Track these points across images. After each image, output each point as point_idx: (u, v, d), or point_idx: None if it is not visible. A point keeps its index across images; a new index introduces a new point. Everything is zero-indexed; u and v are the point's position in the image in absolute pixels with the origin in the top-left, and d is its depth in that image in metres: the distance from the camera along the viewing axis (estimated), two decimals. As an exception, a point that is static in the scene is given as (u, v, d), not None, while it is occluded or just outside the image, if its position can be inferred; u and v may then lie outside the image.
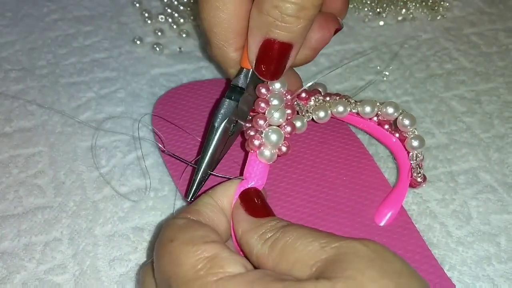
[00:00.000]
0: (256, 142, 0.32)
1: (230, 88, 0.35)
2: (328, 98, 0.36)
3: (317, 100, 0.36)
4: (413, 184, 0.36)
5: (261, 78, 0.34)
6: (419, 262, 0.34)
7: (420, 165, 0.35)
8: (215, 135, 0.34)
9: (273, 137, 0.32)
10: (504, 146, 0.43)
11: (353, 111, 0.36)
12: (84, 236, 0.36)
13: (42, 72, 0.48)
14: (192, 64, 0.49)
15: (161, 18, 0.53)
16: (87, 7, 0.55)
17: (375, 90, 0.48)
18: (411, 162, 0.35)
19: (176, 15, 0.54)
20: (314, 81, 0.36)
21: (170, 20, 0.53)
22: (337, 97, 0.36)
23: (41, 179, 0.40)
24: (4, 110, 0.44)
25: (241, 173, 0.33)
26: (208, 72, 0.48)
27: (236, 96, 0.34)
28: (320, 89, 0.39)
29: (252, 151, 0.33)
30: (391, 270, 0.24)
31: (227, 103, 0.34)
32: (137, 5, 0.55)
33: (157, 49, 0.50)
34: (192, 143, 0.40)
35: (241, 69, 0.35)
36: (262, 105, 0.33)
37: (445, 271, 0.34)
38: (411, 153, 0.35)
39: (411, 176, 0.35)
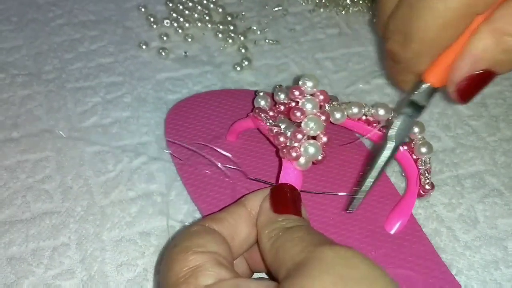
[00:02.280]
0: (294, 154, 0.32)
1: (409, 104, 0.33)
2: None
3: (332, 105, 0.36)
4: (421, 193, 0.36)
5: (454, 99, 0.33)
6: (430, 268, 0.34)
7: (429, 171, 0.35)
8: (389, 151, 0.32)
9: (311, 150, 0.32)
10: (510, 149, 0.43)
11: (367, 114, 0.36)
12: (91, 241, 0.36)
13: (48, 77, 0.48)
14: (198, 69, 0.49)
15: (167, 23, 0.53)
16: (92, 11, 0.55)
17: (381, 94, 0.48)
18: (420, 167, 0.35)
19: (181, 19, 0.54)
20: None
21: (175, 24, 0.53)
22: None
23: (49, 184, 0.40)
24: (11, 115, 0.45)
25: (277, 179, 0.34)
26: (213, 76, 0.49)
27: (414, 114, 0.33)
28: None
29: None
30: (350, 276, 0.24)
31: (406, 120, 0.33)
32: (143, 9, 0.55)
33: (163, 53, 0.50)
34: (204, 152, 0.40)
35: (419, 84, 0.33)
36: (298, 114, 0.33)
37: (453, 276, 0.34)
38: (419, 159, 0.35)
39: (419, 184, 0.35)
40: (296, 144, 0.33)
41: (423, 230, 0.37)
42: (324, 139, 0.33)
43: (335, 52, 0.52)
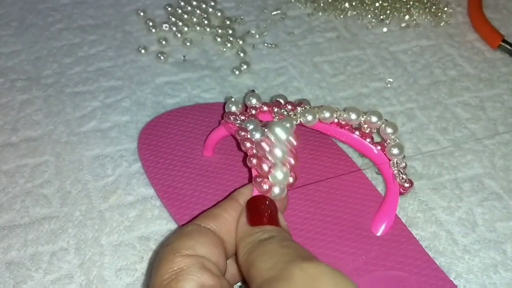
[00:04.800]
0: (265, 187, 0.32)
1: None
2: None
3: (304, 108, 0.36)
4: (401, 191, 0.36)
5: None
6: (420, 267, 0.34)
7: (402, 172, 0.35)
8: None
9: (280, 176, 0.31)
10: (509, 152, 0.43)
11: (339, 118, 0.36)
12: (90, 246, 0.36)
13: (48, 81, 0.48)
14: (196, 73, 0.50)
15: (165, 27, 0.53)
16: (91, 16, 0.55)
17: (379, 97, 0.48)
18: (393, 169, 0.35)
19: (180, 23, 0.54)
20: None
21: (174, 28, 0.53)
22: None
23: (47, 189, 0.40)
24: (10, 120, 0.45)
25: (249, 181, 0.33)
26: (211, 80, 0.49)
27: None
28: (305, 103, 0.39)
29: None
30: None
31: None
32: (141, 14, 0.55)
33: (162, 57, 0.50)
34: (182, 170, 0.40)
35: None
36: (264, 145, 0.32)
37: (451, 279, 0.34)
38: (391, 161, 0.35)
39: (398, 183, 0.35)
40: (265, 167, 0.32)
41: (422, 233, 0.37)
42: (292, 161, 0.33)
43: (334, 56, 0.52)
